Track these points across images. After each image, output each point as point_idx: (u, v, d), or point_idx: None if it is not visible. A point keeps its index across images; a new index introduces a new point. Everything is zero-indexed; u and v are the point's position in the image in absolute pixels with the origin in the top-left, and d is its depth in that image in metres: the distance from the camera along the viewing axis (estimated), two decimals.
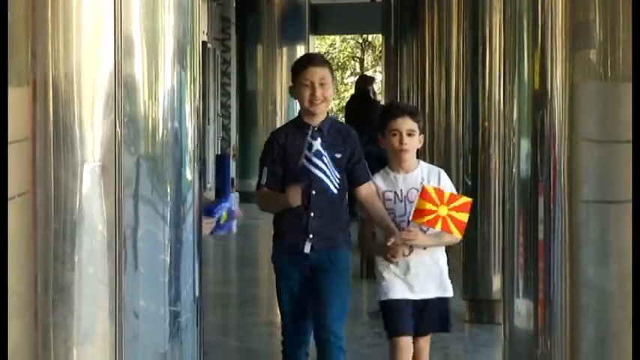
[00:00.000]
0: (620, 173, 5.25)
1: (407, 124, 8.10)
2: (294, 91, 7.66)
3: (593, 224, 5.32)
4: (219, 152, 29.99)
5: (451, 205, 7.80)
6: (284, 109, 28.74)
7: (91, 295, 7.25)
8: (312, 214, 7.38)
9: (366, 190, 7.60)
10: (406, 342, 8.37)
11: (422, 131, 8.67)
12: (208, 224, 6.95)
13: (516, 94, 10.91)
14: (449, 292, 8.69)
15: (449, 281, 8.72)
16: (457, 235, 8.22)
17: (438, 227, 8.01)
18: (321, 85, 7.41)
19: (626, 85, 5.36)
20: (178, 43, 8.00)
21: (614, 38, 5.66)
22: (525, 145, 6.64)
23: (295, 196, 7.32)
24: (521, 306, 7.59)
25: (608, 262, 5.24)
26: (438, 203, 7.75)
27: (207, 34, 27.47)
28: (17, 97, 7.48)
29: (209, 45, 28.50)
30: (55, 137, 7.44)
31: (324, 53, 44.14)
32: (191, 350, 7.12)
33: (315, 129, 7.54)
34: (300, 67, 7.63)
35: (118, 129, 7.57)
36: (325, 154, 7.47)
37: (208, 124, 30.19)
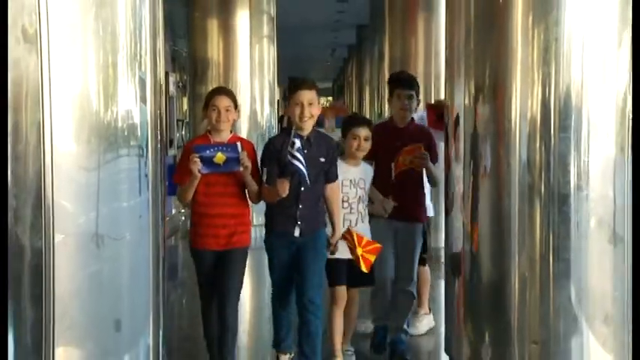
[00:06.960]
0: None
1: (365, 131, 5.05)
2: (288, 109, 4.76)
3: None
4: None
5: (366, 249, 4.93)
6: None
7: None
8: (300, 206, 4.77)
9: (331, 187, 4.82)
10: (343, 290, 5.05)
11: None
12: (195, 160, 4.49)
13: (374, 115, 12.74)
14: None
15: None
16: (365, 270, 4.88)
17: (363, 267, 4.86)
18: (310, 105, 4.72)
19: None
20: (270, 100, 9.30)
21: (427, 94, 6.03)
22: None
23: (283, 188, 4.67)
24: None
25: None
26: (357, 245, 4.84)
27: (279, 97, 28.87)
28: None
29: (279, 101, 30.22)
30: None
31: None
32: None
33: (304, 139, 4.70)
34: (292, 90, 4.87)
35: (251, 133, 8.95)
36: (304, 152, 4.69)
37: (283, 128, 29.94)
